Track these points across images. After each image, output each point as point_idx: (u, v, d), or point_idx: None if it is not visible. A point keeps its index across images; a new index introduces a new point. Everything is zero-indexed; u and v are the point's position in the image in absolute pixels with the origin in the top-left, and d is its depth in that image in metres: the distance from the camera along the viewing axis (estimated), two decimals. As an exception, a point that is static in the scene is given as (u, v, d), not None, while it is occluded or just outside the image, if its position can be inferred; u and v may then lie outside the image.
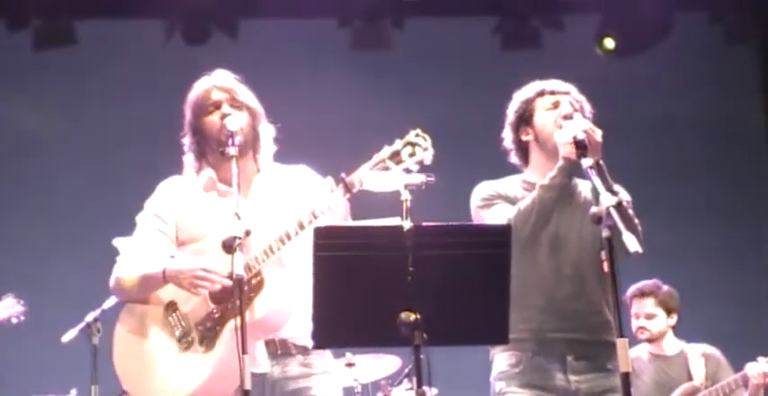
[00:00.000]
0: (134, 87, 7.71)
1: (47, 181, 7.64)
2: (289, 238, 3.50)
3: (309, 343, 3.55)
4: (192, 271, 3.52)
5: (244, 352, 3.21)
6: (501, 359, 3.75)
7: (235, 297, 3.36)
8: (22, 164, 7.71)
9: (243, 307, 3.27)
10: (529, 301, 3.68)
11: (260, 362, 3.55)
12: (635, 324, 5.89)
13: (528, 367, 3.70)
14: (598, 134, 3.63)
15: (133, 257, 3.70)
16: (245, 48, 7.69)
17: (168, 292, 3.65)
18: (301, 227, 3.50)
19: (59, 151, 7.70)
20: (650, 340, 5.90)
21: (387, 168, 3.46)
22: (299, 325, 3.53)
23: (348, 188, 3.47)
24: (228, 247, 3.31)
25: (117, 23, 7.82)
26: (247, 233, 3.35)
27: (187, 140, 3.76)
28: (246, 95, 3.73)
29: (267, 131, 3.76)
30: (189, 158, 3.77)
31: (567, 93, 3.86)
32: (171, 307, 3.64)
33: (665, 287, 5.95)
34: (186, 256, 3.69)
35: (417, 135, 3.48)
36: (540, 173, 3.80)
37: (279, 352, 3.59)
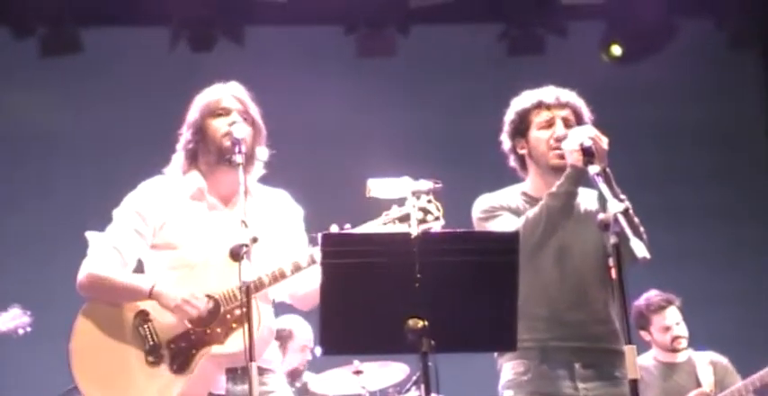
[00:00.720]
0: (139, 94, 7.73)
1: (52, 187, 7.66)
2: (283, 277, 3.51)
3: (267, 365, 3.59)
4: (177, 298, 3.48)
5: (252, 359, 3.21)
6: (508, 368, 3.75)
7: (220, 324, 3.43)
8: (28, 169, 7.72)
9: (249, 315, 3.26)
10: (533, 310, 3.68)
11: (219, 384, 3.55)
12: (668, 336, 5.83)
13: (536, 375, 3.69)
14: (604, 142, 3.63)
15: (106, 255, 3.61)
16: (250, 54, 7.71)
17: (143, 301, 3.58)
18: (297, 269, 3.51)
19: (65, 157, 7.71)
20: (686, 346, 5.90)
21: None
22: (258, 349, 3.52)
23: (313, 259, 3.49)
24: (236, 254, 3.31)
25: (122, 31, 7.84)
26: (254, 240, 3.34)
27: (184, 138, 3.72)
28: (256, 112, 3.73)
29: (262, 153, 3.72)
30: (178, 157, 3.72)
31: (564, 105, 3.84)
32: (142, 315, 3.57)
33: (671, 294, 5.97)
34: (157, 268, 3.64)
35: (429, 202, 3.47)
36: (536, 186, 3.82)
37: (238, 372, 3.57)
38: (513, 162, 3.92)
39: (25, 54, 7.70)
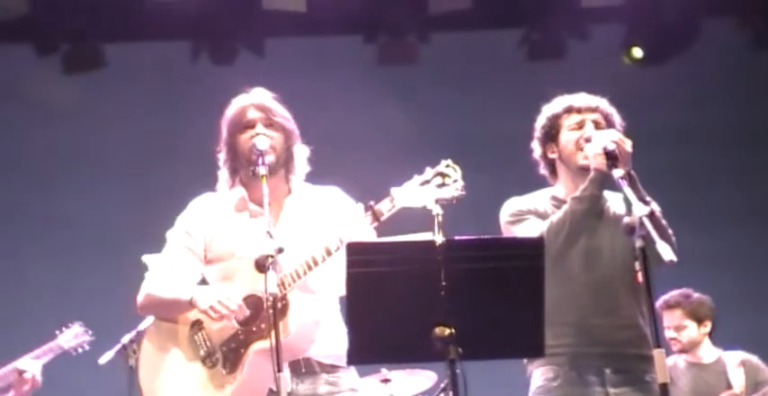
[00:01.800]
0: (162, 108, 7.76)
1: (78, 201, 7.69)
2: (316, 263, 3.53)
3: (335, 361, 3.60)
4: (209, 300, 3.55)
5: (279, 370, 3.22)
6: (538, 374, 3.74)
7: (265, 319, 3.45)
8: (53, 184, 7.77)
9: (276, 325, 3.28)
10: (562, 317, 3.67)
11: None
12: (667, 335, 5.86)
13: (566, 381, 3.69)
14: (628, 145, 3.62)
15: (162, 276, 3.74)
16: (271, 66, 7.72)
17: (195, 312, 3.67)
18: (329, 253, 3.53)
19: (89, 172, 7.75)
20: (682, 351, 5.87)
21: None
22: (323, 344, 3.57)
23: (376, 216, 3.49)
24: (261, 265, 3.32)
25: (144, 46, 7.88)
26: (280, 251, 3.36)
27: (222, 156, 3.79)
28: (282, 115, 3.75)
29: (301, 152, 3.76)
30: (223, 174, 3.80)
31: (594, 109, 3.84)
32: (197, 325, 3.67)
33: (695, 296, 5.91)
34: (211, 279, 3.73)
35: (448, 166, 3.49)
36: (567, 190, 3.81)
37: (303, 370, 3.60)
38: (543, 169, 3.92)
39: (49, 70, 7.75)
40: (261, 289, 3.51)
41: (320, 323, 3.56)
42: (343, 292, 3.60)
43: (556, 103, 3.89)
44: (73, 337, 5.53)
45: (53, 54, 7.78)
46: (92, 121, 7.80)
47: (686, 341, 5.85)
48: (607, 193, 3.79)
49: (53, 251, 7.60)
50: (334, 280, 3.63)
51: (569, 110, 3.84)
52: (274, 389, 3.51)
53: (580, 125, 3.82)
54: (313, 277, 3.57)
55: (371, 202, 3.53)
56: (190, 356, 3.64)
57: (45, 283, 7.51)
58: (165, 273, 3.74)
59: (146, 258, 3.84)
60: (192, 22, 7.75)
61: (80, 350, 5.53)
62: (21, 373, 5.34)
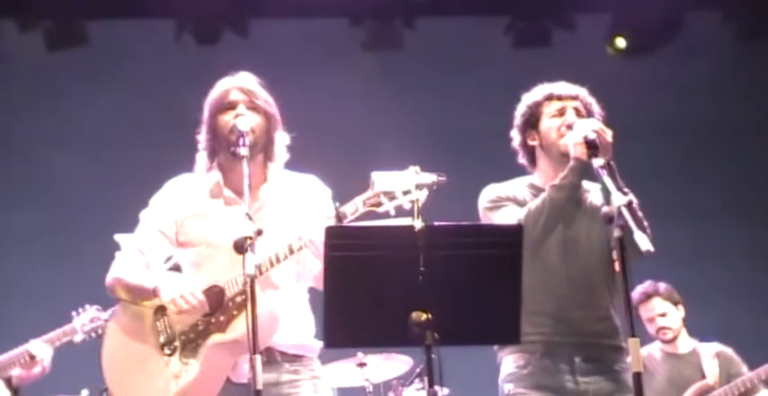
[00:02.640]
0: (145, 87, 7.72)
1: (58, 180, 7.66)
2: (278, 260, 3.53)
3: (297, 350, 3.61)
4: (172, 293, 3.53)
5: (255, 352, 3.21)
6: (509, 361, 3.76)
7: (224, 312, 3.48)
8: (34, 163, 7.73)
9: (254, 306, 3.26)
10: (538, 306, 3.68)
11: (242, 372, 3.56)
12: (653, 327, 5.89)
13: (537, 368, 3.70)
14: (608, 134, 3.62)
15: (131, 257, 3.71)
16: (255, 48, 7.70)
17: None
18: (291, 251, 3.52)
19: (70, 150, 7.72)
20: (675, 338, 5.90)
21: (380, 203, 3.50)
22: (286, 333, 3.56)
23: (340, 219, 3.50)
24: (240, 247, 3.31)
25: (128, 24, 7.84)
26: (259, 233, 3.35)
27: (202, 138, 3.76)
28: (265, 100, 3.72)
29: (282, 139, 3.74)
30: (201, 156, 3.77)
31: (575, 97, 3.84)
32: (160, 311, 3.64)
33: (662, 284, 5.96)
34: (182, 262, 3.71)
35: (416, 173, 3.47)
36: (546, 177, 3.81)
37: (264, 360, 3.53)
38: (522, 158, 3.92)
39: (31, 47, 7.70)
40: (229, 279, 3.53)
41: (279, 319, 3.55)
42: (313, 283, 3.66)
43: (536, 91, 3.89)
44: (89, 320, 5.48)
45: (35, 30, 7.73)
46: (73, 97, 7.75)
47: (676, 327, 5.89)
48: (586, 184, 3.80)
49: (32, 233, 7.57)
50: (302, 273, 3.66)
51: (550, 97, 3.84)
52: (233, 379, 3.56)
53: (561, 112, 3.82)
54: (276, 273, 3.57)
55: (336, 203, 3.53)
56: (150, 342, 3.63)
57: (29, 265, 7.46)
58: (134, 254, 3.72)
59: (118, 237, 3.80)
60: (177, 1, 7.71)
61: (93, 335, 5.46)
62: (32, 356, 5.32)
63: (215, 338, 3.54)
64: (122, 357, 3.66)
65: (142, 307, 3.67)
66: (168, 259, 3.77)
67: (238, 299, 3.50)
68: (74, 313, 5.53)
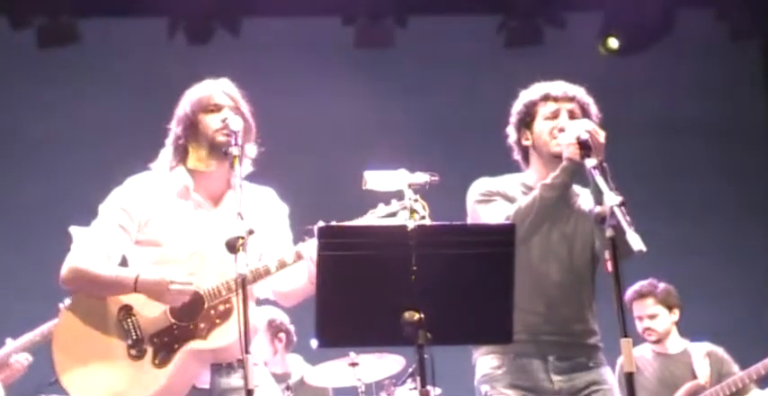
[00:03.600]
0: (136, 85, 7.72)
1: (48, 178, 7.65)
2: (268, 274, 3.51)
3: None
4: (168, 283, 3.47)
5: (246, 351, 3.20)
6: (484, 362, 3.77)
7: (203, 319, 3.45)
8: (24, 160, 7.71)
9: (246, 306, 3.25)
10: (517, 303, 3.68)
11: (204, 378, 3.56)
12: (640, 326, 5.89)
13: (511, 368, 3.71)
14: (601, 135, 3.63)
15: (92, 251, 3.61)
16: (247, 46, 7.70)
17: (126, 295, 3.57)
18: (282, 266, 3.51)
19: (61, 148, 7.70)
20: (658, 340, 5.90)
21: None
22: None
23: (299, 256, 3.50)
24: (232, 247, 3.30)
25: (120, 22, 7.83)
26: (250, 232, 3.33)
27: (173, 134, 3.70)
28: (246, 109, 3.71)
29: (251, 150, 3.71)
30: (167, 152, 3.71)
31: (571, 99, 3.84)
32: (125, 310, 3.57)
33: (662, 285, 5.96)
34: (134, 260, 3.64)
35: (416, 201, 3.45)
36: (538, 177, 3.81)
37: (224, 365, 3.58)
38: (516, 154, 3.92)
39: (23, 44, 7.69)
40: (203, 286, 3.50)
41: (257, 330, 3.55)
42: (262, 294, 3.66)
43: (533, 90, 3.88)
44: None
45: (27, 27, 7.72)
46: (65, 95, 7.74)
47: (662, 330, 5.89)
48: (576, 188, 3.80)
49: (20, 230, 7.55)
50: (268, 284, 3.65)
51: (546, 98, 3.84)
52: (196, 385, 3.54)
53: (555, 115, 3.81)
54: (258, 285, 3.57)
55: (333, 223, 3.52)
56: (114, 342, 3.54)
57: (16, 261, 7.45)
58: (93, 246, 3.62)
59: (73, 230, 3.71)
60: (169, 0, 7.70)
61: None
62: (11, 362, 5.31)
63: (194, 345, 3.49)
64: (81, 352, 3.55)
65: (103, 303, 3.57)
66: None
67: (221, 307, 3.47)
68: (60, 305, 5.52)
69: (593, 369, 3.73)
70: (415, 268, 3.08)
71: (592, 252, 3.75)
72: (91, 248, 3.62)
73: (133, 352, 3.52)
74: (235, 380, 3.55)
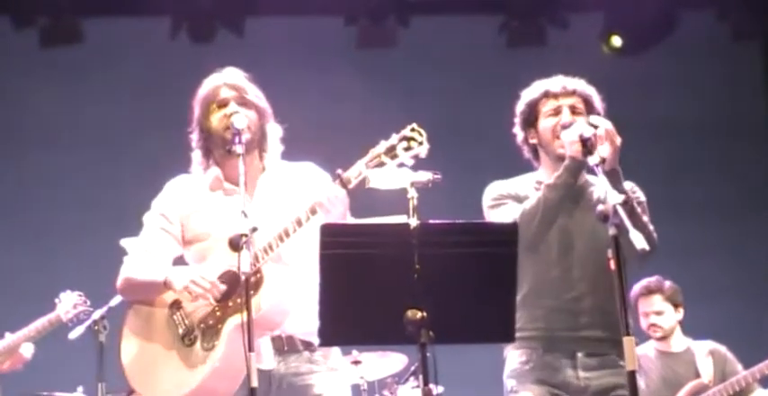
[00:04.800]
0: (139, 85, 7.72)
1: (53, 178, 7.65)
2: (287, 234, 3.53)
3: (315, 339, 3.57)
4: (184, 280, 3.55)
5: (250, 349, 3.21)
6: (513, 357, 3.76)
7: (240, 295, 3.40)
8: (28, 160, 7.72)
9: (249, 304, 3.27)
10: (539, 300, 3.70)
11: (265, 358, 3.57)
12: (645, 322, 5.89)
13: (538, 364, 3.70)
14: (602, 127, 3.60)
15: (140, 259, 3.73)
16: (250, 46, 7.70)
17: (172, 292, 3.67)
18: (299, 223, 3.53)
19: (65, 148, 7.71)
20: (664, 337, 5.90)
21: (382, 163, 3.51)
22: (304, 321, 3.55)
23: (344, 184, 3.50)
24: (235, 244, 3.31)
25: (123, 21, 7.83)
26: (254, 230, 3.35)
27: (194, 137, 3.77)
28: (255, 94, 3.74)
29: (275, 131, 3.76)
30: (196, 155, 3.78)
31: (571, 93, 3.84)
32: (175, 305, 3.67)
33: (669, 283, 5.96)
34: (190, 260, 3.73)
35: (413, 129, 3.51)
36: (549, 174, 3.81)
37: (285, 348, 3.61)
38: (527, 153, 3.93)
39: (25, 44, 7.69)
40: (235, 265, 3.50)
41: (295, 296, 3.56)
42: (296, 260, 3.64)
43: (533, 88, 3.88)
44: (72, 306, 5.48)
45: (30, 27, 7.72)
46: (68, 95, 7.74)
47: (667, 327, 5.89)
48: (592, 179, 3.79)
49: (22, 228, 7.56)
50: (309, 254, 3.62)
51: (546, 95, 3.84)
52: (263, 368, 3.54)
53: (557, 111, 3.81)
54: (287, 250, 3.57)
55: (339, 170, 3.54)
56: (169, 337, 3.64)
57: (18, 260, 7.46)
58: (142, 255, 3.73)
59: (124, 242, 3.83)
60: (172, -1, 7.71)
61: (76, 320, 5.47)
62: (15, 354, 5.33)
63: (235, 320, 3.51)
64: (144, 358, 3.67)
65: (154, 306, 3.69)
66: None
67: (252, 279, 3.48)
68: (56, 300, 5.53)
69: (623, 369, 3.60)
70: (417, 267, 3.08)
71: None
72: (139, 257, 3.73)
73: (186, 341, 3.61)
74: (295, 363, 3.58)
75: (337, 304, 3.12)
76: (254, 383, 3.22)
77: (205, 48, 7.71)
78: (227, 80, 3.74)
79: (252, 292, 3.47)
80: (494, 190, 3.85)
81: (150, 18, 7.81)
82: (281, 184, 3.73)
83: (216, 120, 3.69)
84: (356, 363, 5.86)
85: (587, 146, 3.57)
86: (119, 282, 3.75)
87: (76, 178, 7.62)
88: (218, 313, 3.59)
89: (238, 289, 3.51)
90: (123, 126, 7.71)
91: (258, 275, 3.51)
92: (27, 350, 5.46)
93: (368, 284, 3.12)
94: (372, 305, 3.12)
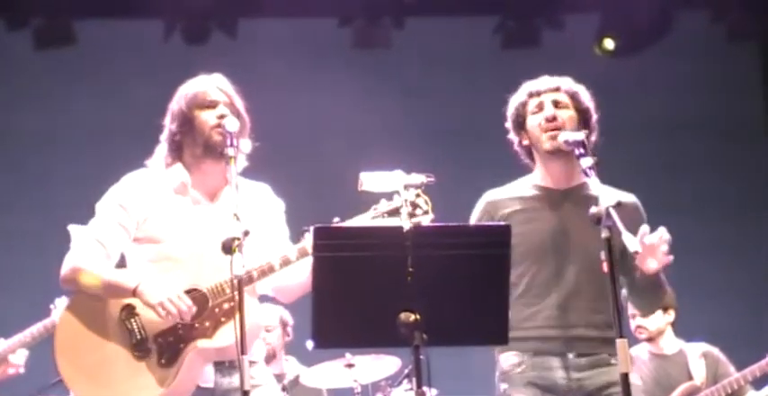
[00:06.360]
0: (133, 87, 7.71)
1: (47, 180, 7.65)
2: (272, 270, 3.51)
3: (252, 357, 3.55)
4: (159, 296, 3.44)
5: (243, 352, 3.20)
6: (504, 359, 3.77)
7: (206, 318, 3.43)
8: (22, 162, 7.71)
9: (241, 306, 3.24)
10: (530, 301, 3.69)
11: (208, 377, 3.55)
12: (633, 324, 5.89)
13: (529, 366, 3.71)
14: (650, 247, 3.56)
15: (91, 250, 3.59)
16: (244, 47, 7.69)
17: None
18: (286, 263, 3.51)
19: (58, 150, 7.70)
20: (650, 339, 5.90)
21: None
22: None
23: (304, 252, 3.49)
24: (228, 248, 3.29)
25: (116, 23, 7.82)
26: (246, 233, 3.32)
27: (167, 130, 3.69)
28: (241, 105, 3.70)
29: (245, 146, 3.69)
30: (162, 149, 3.70)
31: (554, 89, 3.84)
32: (128, 309, 3.54)
33: None
34: (139, 260, 3.62)
35: (418, 196, 3.45)
36: (543, 175, 3.82)
37: (226, 365, 3.57)
38: (523, 157, 3.93)
39: (19, 46, 7.68)
40: (206, 284, 3.48)
41: (261, 328, 3.56)
42: (262, 290, 3.65)
43: (519, 91, 3.90)
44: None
45: (24, 29, 7.71)
46: (61, 97, 7.74)
47: (654, 329, 5.89)
48: (594, 182, 3.78)
49: (16, 231, 7.55)
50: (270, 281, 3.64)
51: (530, 95, 3.85)
52: (202, 385, 3.53)
53: (540, 107, 3.82)
54: (262, 283, 3.57)
55: (337, 219, 3.50)
56: (118, 341, 3.52)
57: (14, 264, 7.44)
58: (93, 245, 3.60)
59: (71, 228, 3.70)
60: (166, 1, 7.70)
61: None
62: (7, 361, 5.32)
63: (200, 344, 3.48)
64: (85, 355, 3.53)
65: (104, 304, 3.56)
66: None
67: (225, 305, 3.46)
68: (51, 306, 5.52)
69: (614, 366, 3.64)
70: (410, 269, 3.08)
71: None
72: (90, 247, 3.61)
73: (137, 353, 3.51)
74: (237, 379, 3.50)
75: (330, 307, 3.13)
76: (247, 386, 3.20)
77: (199, 49, 7.70)
78: (217, 84, 3.72)
79: (224, 319, 3.45)
80: (478, 207, 3.85)
81: (144, 20, 7.80)
82: (243, 201, 3.59)
83: (203, 118, 3.63)
84: (349, 366, 5.85)
85: (581, 147, 3.57)
86: (65, 270, 3.59)
87: (70, 180, 7.60)
88: (180, 332, 3.50)
89: (206, 311, 3.48)
90: (117, 128, 7.70)
91: (232, 303, 3.37)
92: (20, 357, 5.43)
93: (361, 287, 3.13)
94: (366, 308, 3.12)
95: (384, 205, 3.53)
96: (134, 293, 3.49)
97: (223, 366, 3.57)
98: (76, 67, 7.73)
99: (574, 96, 3.84)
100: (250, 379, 3.34)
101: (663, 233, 3.35)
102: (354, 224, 3.51)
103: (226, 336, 3.44)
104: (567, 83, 3.87)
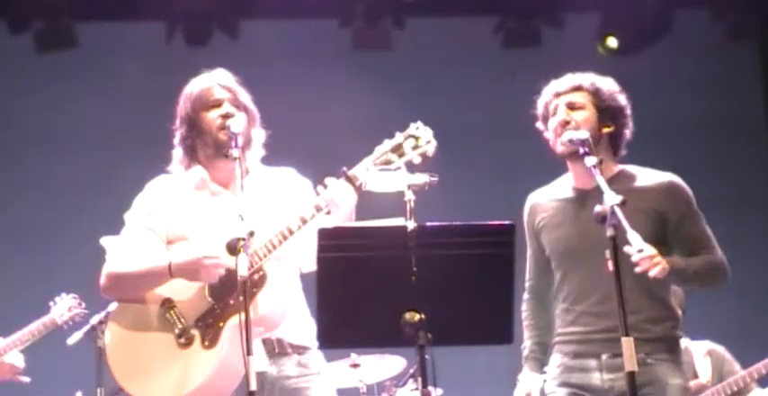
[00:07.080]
0: (135, 89, 7.71)
1: (49, 182, 7.65)
2: (291, 233, 3.52)
3: (304, 342, 3.59)
4: (200, 259, 3.48)
5: (249, 353, 3.20)
6: (552, 360, 3.81)
7: (239, 297, 3.34)
8: (24, 164, 7.71)
9: (247, 308, 3.25)
10: (572, 305, 3.73)
11: (259, 360, 3.54)
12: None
13: (567, 367, 3.74)
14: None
15: (127, 255, 3.65)
16: (246, 49, 7.70)
17: (163, 290, 3.62)
18: (304, 222, 3.51)
19: (61, 153, 7.70)
20: None
21: (389, 161, 3.50)
22: (293, 324, 3.56)
23: (351, 181, 3.49)
24: (233, 248, 3.30)
25: (118, 25, 7.83)
26: (251, 234, 3.33)
27: (179, 134, 3.73)
28: (246, 98, 3.73)
29: (259, 135, 3.74)
30: (178, 153, 3.75)
31: (575, 89, 3.82)
32: (167, 304, 3.60)
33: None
34: (182, 248, 3.66)
35: (418, 128, 3.49)
36: (574, 175, 3.83)
37: (276, 351, 3.59)
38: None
39: (21, 48, 7.69)
40: (230, 262, 3.47)
41: (293, 294, 3.55)
42: (309, 268, 3.63)
43: (545, 90, 3.88)
44: (67, 309, 5.47)
45: (25, 32, 7.72)
46: (63, 100, 7.74)
47: None
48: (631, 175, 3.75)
49: (17, 231, 7.55)
50: (301, 256, 3.63)
51: (553, 95, 3.84)
52: (257, 370, 3.50)
53: (555, 110, 3.82)
54: (286, 249, 3.55)
55: (344, 168, 3.54)
56: (162, 336, 3.57)
57: (14, 264, 7.45)
58: (125, 253, 3.66)
59: (104, 241, 3.76)
60: (167, 3, 7.70)
61: (71, 324, 5.46)
62: (4, 360, 5.32)
63: (236, 319, 3.42)
64: (135, 357, 3.60)
65: (143, 304, 3.62)
66: None
67: (255, 277, 3.47)
68: (51, 304, 5.52)
69: (651, 366, 3.66)
70: (415, 269, 3.09)
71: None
72: (124, 255, 3.66)
73: (182, 341, 3.55)
74: (287, 367, 3.56)
75: (335, 307, 3.13)
76: (253, 387, 3.21)
77: (200, 51, 7.70)
78: (219, 81, 3.74)
79: (255, 289, 3.46)
80: (525, 210, 3.88)
81: (145, 22, 7.81)
82: (266, 188, 3.71)
83: (209, 118, 3.67)
84: (355, 366, 5.86)
85: (585, 146, 3.57)
86: (103, 279, 3.65)
87: (73, 182, 7.61)
88: (217, 312, 3.54)
89: (236, 288, 3.46)
90: (119, 131, 7.70)
91: (261, 273, 3.48)
92: (18, 360, 5.43)
93: (366, 287, 3.13)
94: (370, 308, 3.13)
95: (386, 144, 3.53)
96: (170, 270, 3.54)
97: (273, 352, 3.58)
98: (78, 70, 7.73)
99: (596, 93, 3.83)
100: (300, 368, 3.45)
101: (638, 246, 3.29)
102: (362, 167, 3.51)
103: (261, 305, 3.45)
104: (588, 80, 3.84)
